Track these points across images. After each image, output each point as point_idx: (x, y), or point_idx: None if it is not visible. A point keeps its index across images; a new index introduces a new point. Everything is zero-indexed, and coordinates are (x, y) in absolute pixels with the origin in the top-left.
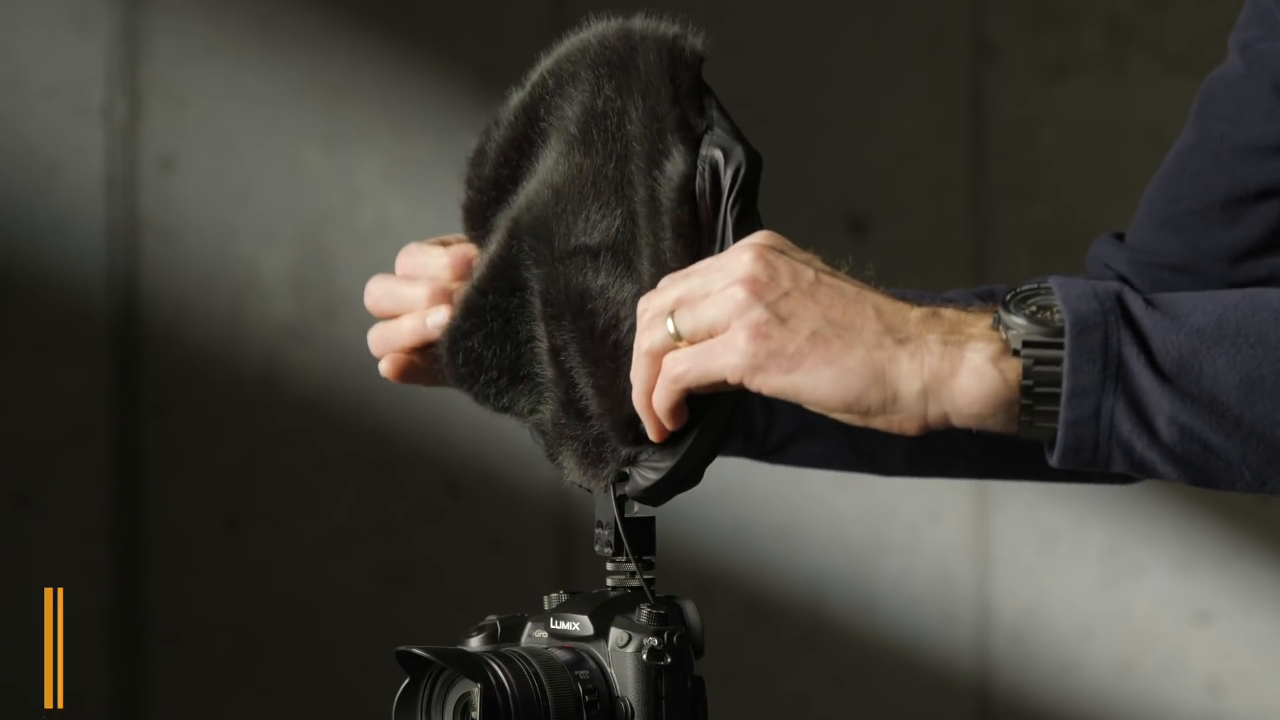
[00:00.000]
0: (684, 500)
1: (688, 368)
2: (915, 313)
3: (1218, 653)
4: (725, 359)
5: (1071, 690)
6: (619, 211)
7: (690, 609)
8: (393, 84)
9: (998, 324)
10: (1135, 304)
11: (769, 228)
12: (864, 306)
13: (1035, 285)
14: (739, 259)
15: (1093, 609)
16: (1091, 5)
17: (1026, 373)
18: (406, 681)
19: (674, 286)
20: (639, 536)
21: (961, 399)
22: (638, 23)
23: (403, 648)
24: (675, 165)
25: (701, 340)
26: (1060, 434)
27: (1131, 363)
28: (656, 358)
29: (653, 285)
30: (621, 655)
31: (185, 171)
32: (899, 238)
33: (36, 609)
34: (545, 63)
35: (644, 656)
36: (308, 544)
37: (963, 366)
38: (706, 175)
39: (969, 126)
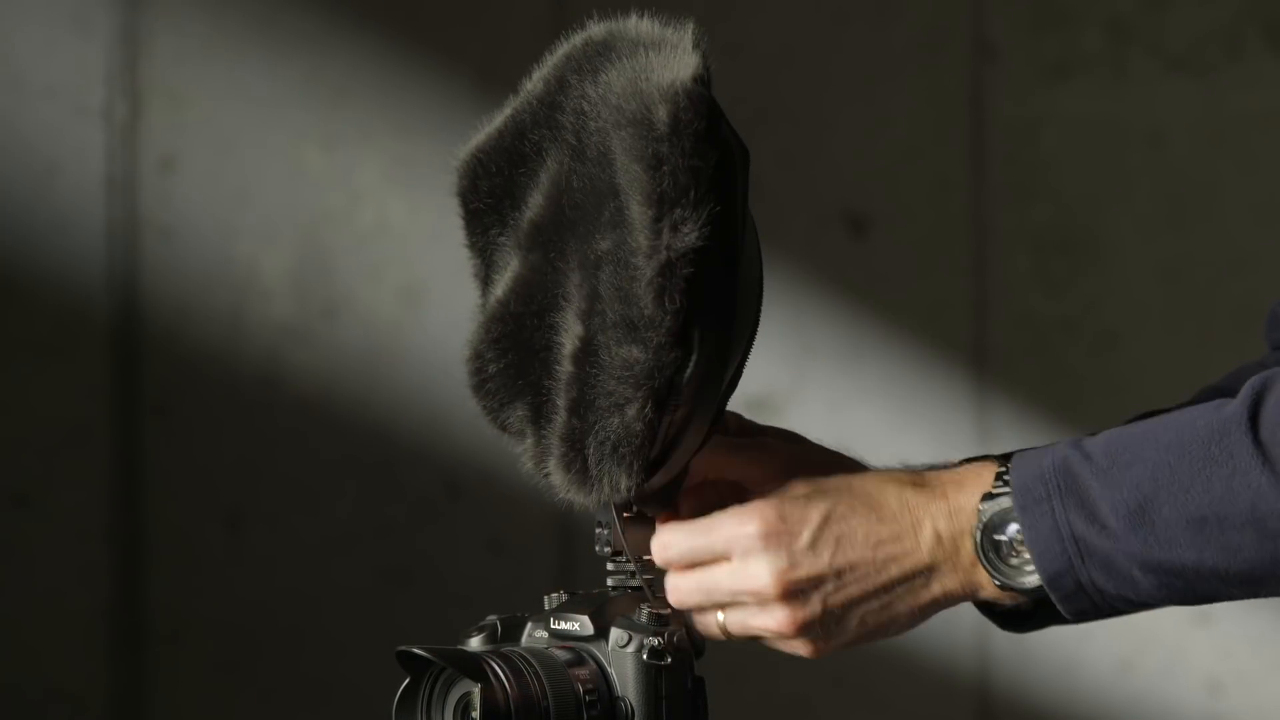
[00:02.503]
0: None
1: (742, 631)
2: (925, 543)
3: (1218, 653)
4: (793, 651)
5: (1071, 690)
6: (615, 210)
7: None
8: (393, 84)
9: (977, 555)
10: (1081, 470)
11: (769, 228)
12: (886, 570)
13: (999, 490)
14: (762, 586)
15: None
16: (1091, 5)
17: (1008, 589)
18: (407, 681)
19: (704, 590)
20: (639, 536)
21: (990, 600)
22: (627, 24)
23: (403, 648)
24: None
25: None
26: (1060, 607)
27: (1082, 533)
28: (708, 634)
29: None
30: (622, 655)
31: (185, 171)
32: (899, 238)
33: (37, 609)
34: (537, 72)
35: (644, 656)
36: (308, 544)
37: (980, 590)
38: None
39: (969, 126)
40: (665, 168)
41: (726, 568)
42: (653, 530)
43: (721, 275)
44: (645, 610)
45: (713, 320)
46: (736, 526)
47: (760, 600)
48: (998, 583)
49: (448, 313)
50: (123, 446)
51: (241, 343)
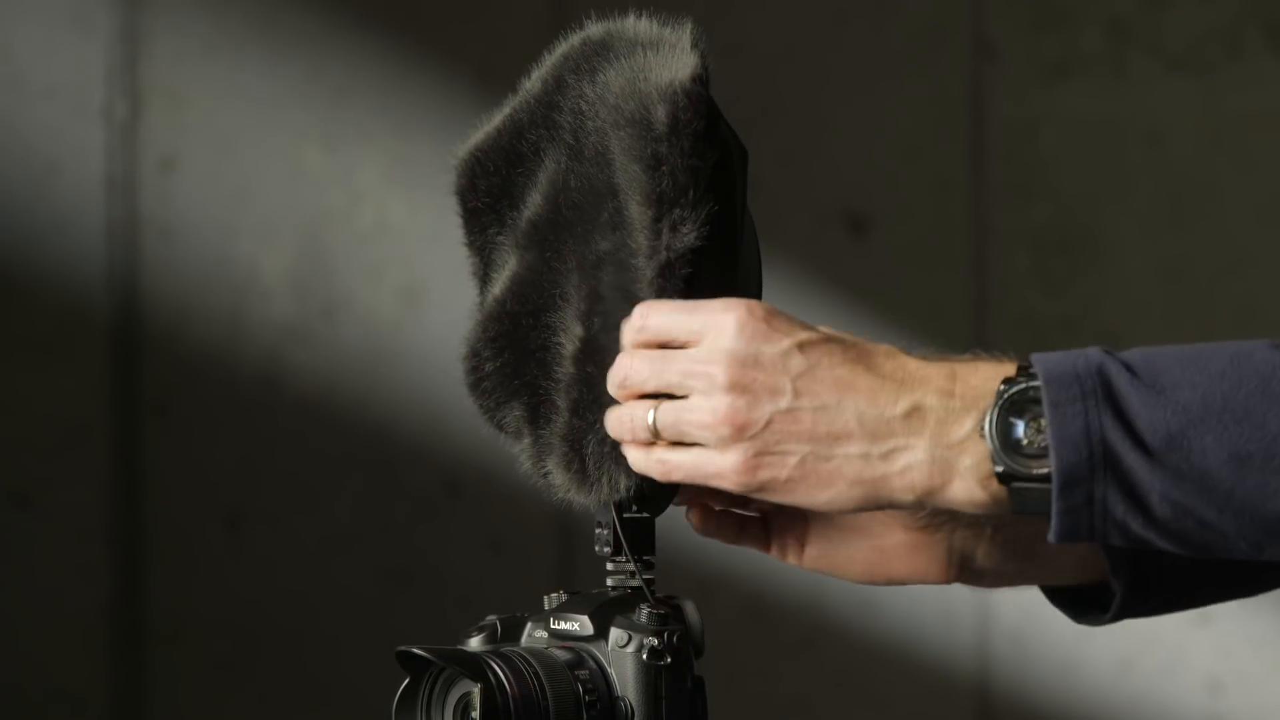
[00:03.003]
0: None
1: (682, 468)
2: (899, 408)
3: (1218, 653)
4: (721, 479)
5: (1071, 690)
6: (614, 210)
7: (690, 609)
8: (393, 84)
9: (983, 432)
10: (1119, 379)
11: (769, 228)
12: (845, 416)
13: (1024, 385)
14: (716, 371)
15: None
16: (1091, 5)
17: (1015, 495)
18: (406, 681)
19: (655, 368)
20: (639, 536)
21: (955, 503)
22: (625, 24)
23: (403, 647)
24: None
25: (680, 442)
26: (1054, 520)
27: (1117, 445)
28: (635, 436)
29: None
30: (621, 655)
31: (185, 171)
32: (899, 238)
33: (37, 609)
34: (535, 72)
35: (644, 656)
36: (308, 544)
37: (954, 480)
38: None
39: (969, 126)
40: (664, 167)
41: (688, 350)
42: (653, 531)
43: (720, 275)
44: (645, 610)
45: None
46: (720, 310)
47: (707, 386)
48: (998, 468)
49: (448, 313)
50: (123, 446)
51: (241, 343)
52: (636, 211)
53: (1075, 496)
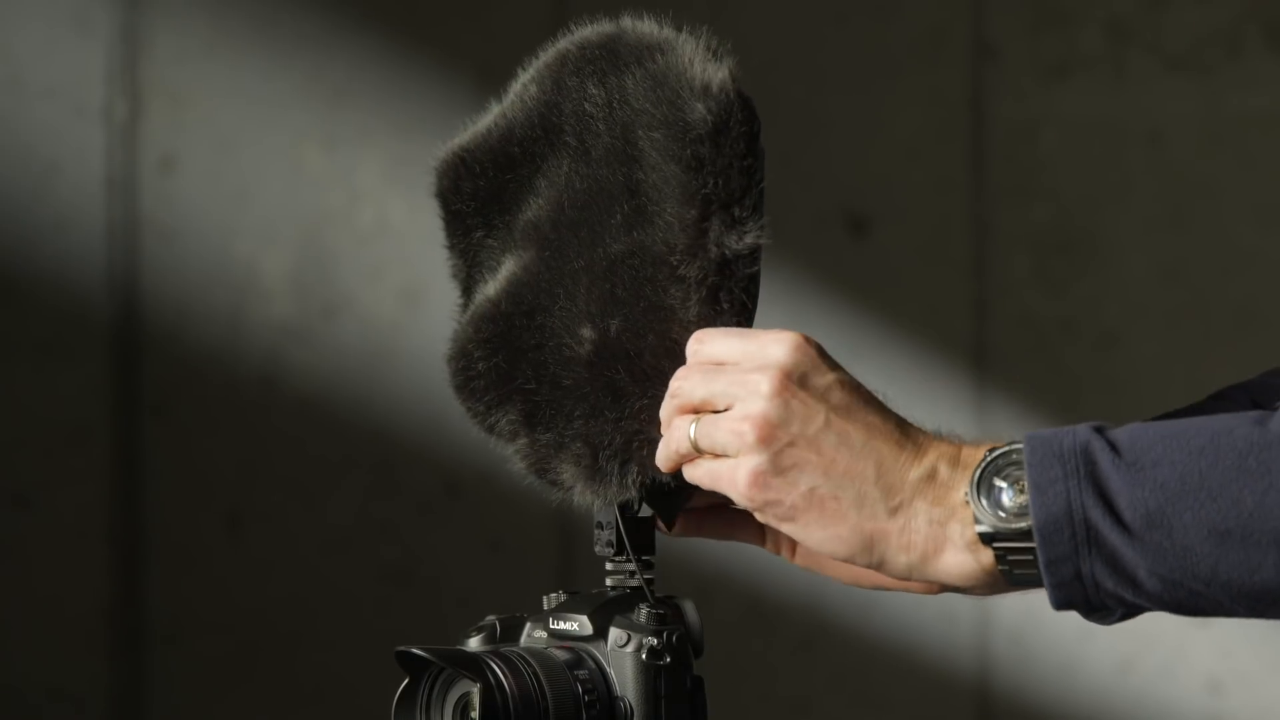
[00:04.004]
0: None
1: (702, 478)
2: (915, 473)
3: (1218, 653)
4: (730, 490)
5: (1071, 690)
6: (632, 211)
7: (689, 608)
8: (393, 84)
9: (968, 496)
10: (1103, 458)
11: (769, 229)
12: (866, 463)
13: (1006, 450)
14: (761, 381)
15: None
16: (1091, 5)
17: (1000, 560)
18: (406, 681)
19: (705, 380)
20: (639, 536)
21: (945, 576)
22: (624, 26)
23: (402, 648)
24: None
25: (714, 453)
26: (1050, 595)
27: (1100, 525)
28: (675, 452)
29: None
30: (621, 655)
31: (185, 171)
32: (899, 238)
33: (37, 609)
34: (524, 75)
35: (643, 656)
36: (307, 544)
37: (946, 547)
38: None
39: (969, 126)
40: (708, 168)
41: (740, 366)
42: (653, 531)
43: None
44: (644, 610)
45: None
46: (776, 335)
47: (749, 395)
48: (981, 527)
49: (448, 313)
50: (123, 446)
51: (241, 343)
52: (675, 212)
53: (1063, 572)
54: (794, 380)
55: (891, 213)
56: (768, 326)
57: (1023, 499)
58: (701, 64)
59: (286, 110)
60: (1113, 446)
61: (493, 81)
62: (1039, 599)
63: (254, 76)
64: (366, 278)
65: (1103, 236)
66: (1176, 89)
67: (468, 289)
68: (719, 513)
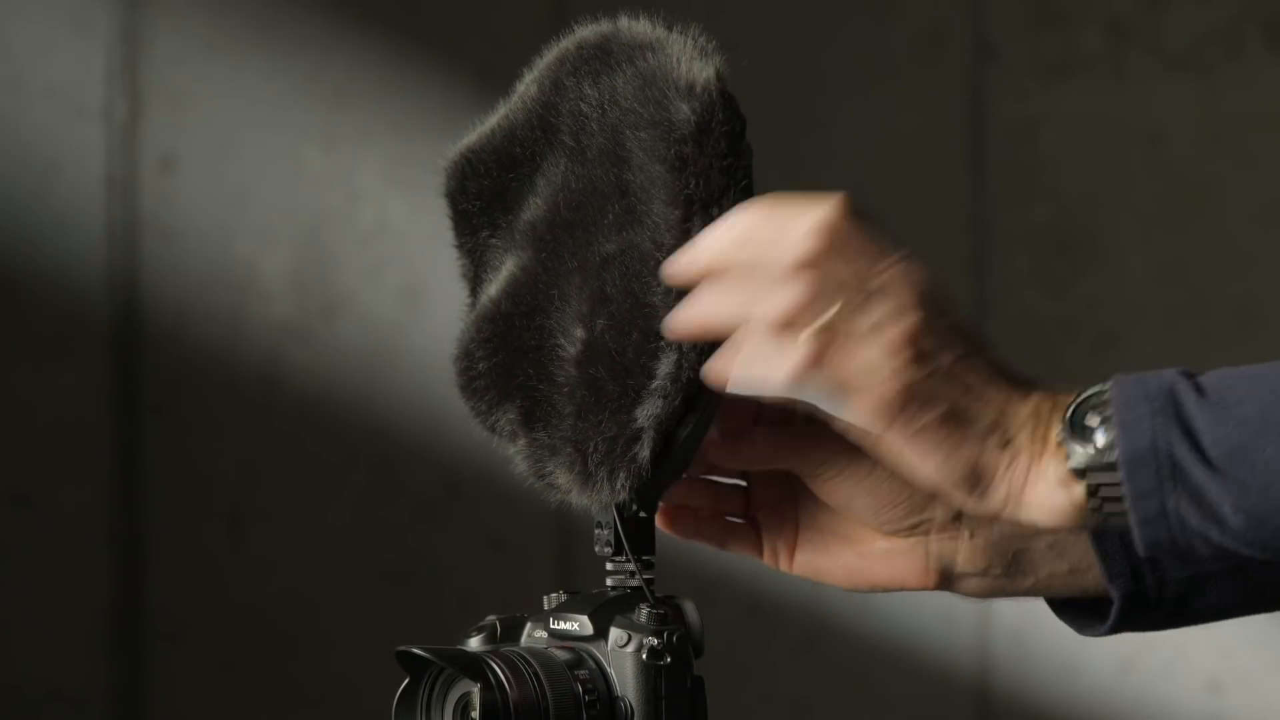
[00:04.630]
0: None
1: (818, 391)
2: (1024, 410)
3: (1218, 653)
4: (854, 400)
5: (1071, 690)
6: (622, 210)
7: (690, 608)
8: (393, 84)
9: (1061, 440)
10: (1188, 398)
11: None
12: (993, 396)
13: (1097, 390)
14: (904, 292)
15: None
16: (1091, 5)
17: (1090, 493)
18: (406, 681)
19: (825, 287)
20: (639, 536)
21: (1035, 512)
22: (620, 25)
23: (402, 648)
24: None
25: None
26: (1136, 533)
27: (1184, 460)
28: (796, 366)
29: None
30: (621, 655)
31: (185, 171)
32: (899, 238)
33: (37, 609)
34: (528, 75)
35: (644, 656)
36: (307, 544)
37: (1040, 483)
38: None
39: (969, 126)
40: (690, 168)
41: (864, 277)
42: (653, 530)
43: None
44: (645, 610)
45: None
46: (901, 259)
47: (892, 310)
48: (1074, 465)
49: (448, 313)
50: (123, 446)
51: (241, 343)
52: (661, 212)
53: (1149, 508)
54: (934, 304)
55: (891, 213)
56: None
57: (1112, 434)
58: (688, 63)
59: (286, 110)
60: (1198, 388)
61: (493, 82)
62: (1038, 599)
63: (254, 76)
64: (366, 278)
65: (1103, 236)
66: (1176, 89)
67: (475, 289)
68: (716, 520)
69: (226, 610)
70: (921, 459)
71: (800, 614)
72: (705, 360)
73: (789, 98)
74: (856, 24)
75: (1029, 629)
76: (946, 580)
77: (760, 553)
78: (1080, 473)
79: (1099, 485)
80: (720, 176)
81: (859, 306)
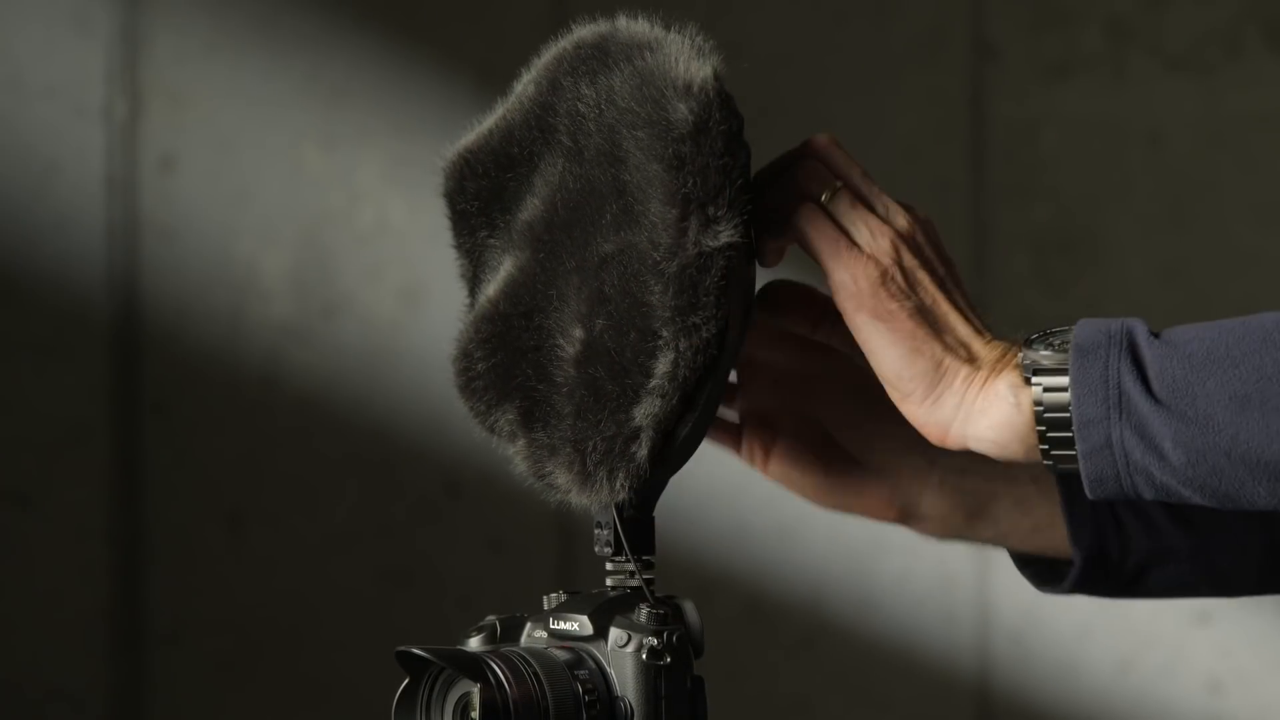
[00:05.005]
0: (684, 500)
1: (824, 246)
2: (994, 347)
3: (1218, 653)
4: (837, 272)
5: (1071, 690)
6: (620, 210)
7: (689, 608)
8: (393, 84)
9: (1019, 362)
10: (1141, 336)
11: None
12: (965, 320)
13: (1064, 328)
14: (910, 209)
15: (1093, 609)
16: (1091, 5)
17: (1036, 400)
18: (406, 681)
19: (845, 167)
20: (638, 536)
21: (982, 420)
22: (617, 26)
23: (402, 648)
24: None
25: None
26: (1081, 465)
27: (1129, 389)
28: (803, 205)
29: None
30: (621, 655)
31: (185, 171)
32: None
33: (37, 609)
34: (526, 75)
35: (643, 656)
36: (308, 544)
37: (994, 399)
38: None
39: (969, 126)
40: (688, 167)
41: (887, 201)
42: (653, 530)
43: (746, 270)
44: (644, 610)
45: (736, 314)
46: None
47: (894, 216)
48: (1025, 366)
49: (448, 313)
50: (123, 446)
51: (241, 343)
52: (658, 211)
53: (1094, 437)
54: (929, 236)
55: None
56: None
57: (1066, 353)
58: (686, 63)
59: (286, 110)
60: (1155, 334)
61: (493, 82)
62: (1038, 599)
63: (254, 76)
64: (366, 278)
65: (1103, 236)
66: (1176, 89)
67: (473, 289)
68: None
69: (227, 610)
70: (889, 343)
71: (800, 614)
72: (702, 360)
73: (789, 98)
74: (856, 24)
75: (1029, 629)
76: (906, 518)
77: (739, 450)
78: (1029, 378)
79: (1046, 408)
80: (717, 175)
81: (877, 197)
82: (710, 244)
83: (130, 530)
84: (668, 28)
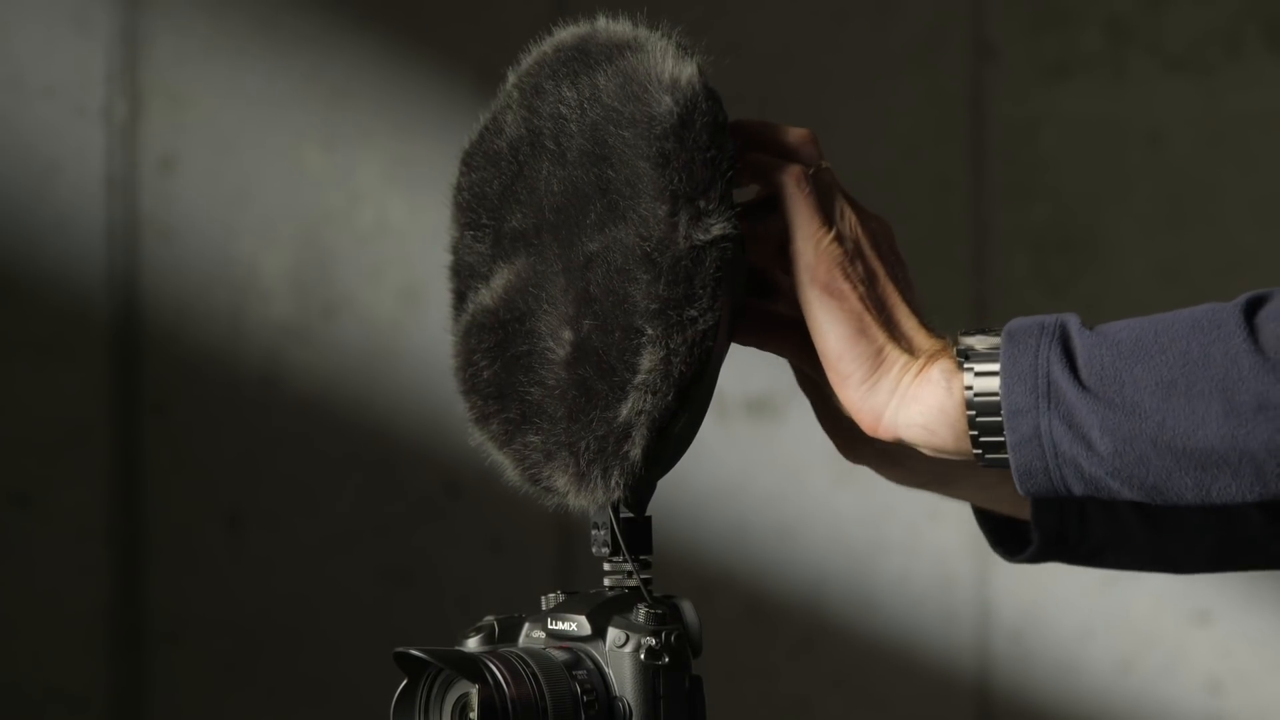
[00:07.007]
0: (684, 500)
1: (794, 197)
2: (934, 342)
3: (1218, 653)
4: (802, 240)
5: (1071, 690)
6: (604, 208)
7: (687, 608)
8: (393, 84)
9: (955, 346)
10: (1074, 328)
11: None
12: (909, 313)
13: (995, 323)
14: (856, 211)
15: (1093, 609)
16: (1091, 5)
17: (967, 385)
18: (404, 682)
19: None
20: (635, 537)
21: (914, 407)
22: (596, 27)
23: (400, 649)
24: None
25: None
26: (1010, 456)
27: (1058, 378)
28: (792, 161)
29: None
30: (619, 655)
31: (185, 171)
32: (899, 237)
33: (37, 609)
34: (511, 78)
35: (641, 656)
36: (308, 544)
37: (926, 385)
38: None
39: (969, 126)
40: (674, 163)
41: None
42: (650, 531)
43: (738, 264)
44: (642, 610)
45: (730, 307)
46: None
47: (848, 208)
48: (959, 351)
49: (447, 313)
50: (123, 446)
51: (241, 343)
52: (648, 207)
53: (1023, 427)
54: (888, 237)
55: (891, 213)
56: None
57: (998, 341)
58: (669, 61)
59: (286, 110)
60: (1085, 324)
61: (493, 81)
62: (1038, 599)
63: (254, 76)
64: (366, 278)
65: (1103, 236)
66: (1176, 89)
67: (464, 292)
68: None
69: (227, 610)
70: (836, 321)
71: (800, 614)
72: (698, 354)
73: (790, 98)
74: (856, 24)
75: (1029, 629)
76: (869, 460)
77: (790, 350)
78: (962, 360)
79: (974, 375)
80: (704, 169)
81: (847, 194)
82: (701, 237)
83: (130, 530)
84: (649, 27)
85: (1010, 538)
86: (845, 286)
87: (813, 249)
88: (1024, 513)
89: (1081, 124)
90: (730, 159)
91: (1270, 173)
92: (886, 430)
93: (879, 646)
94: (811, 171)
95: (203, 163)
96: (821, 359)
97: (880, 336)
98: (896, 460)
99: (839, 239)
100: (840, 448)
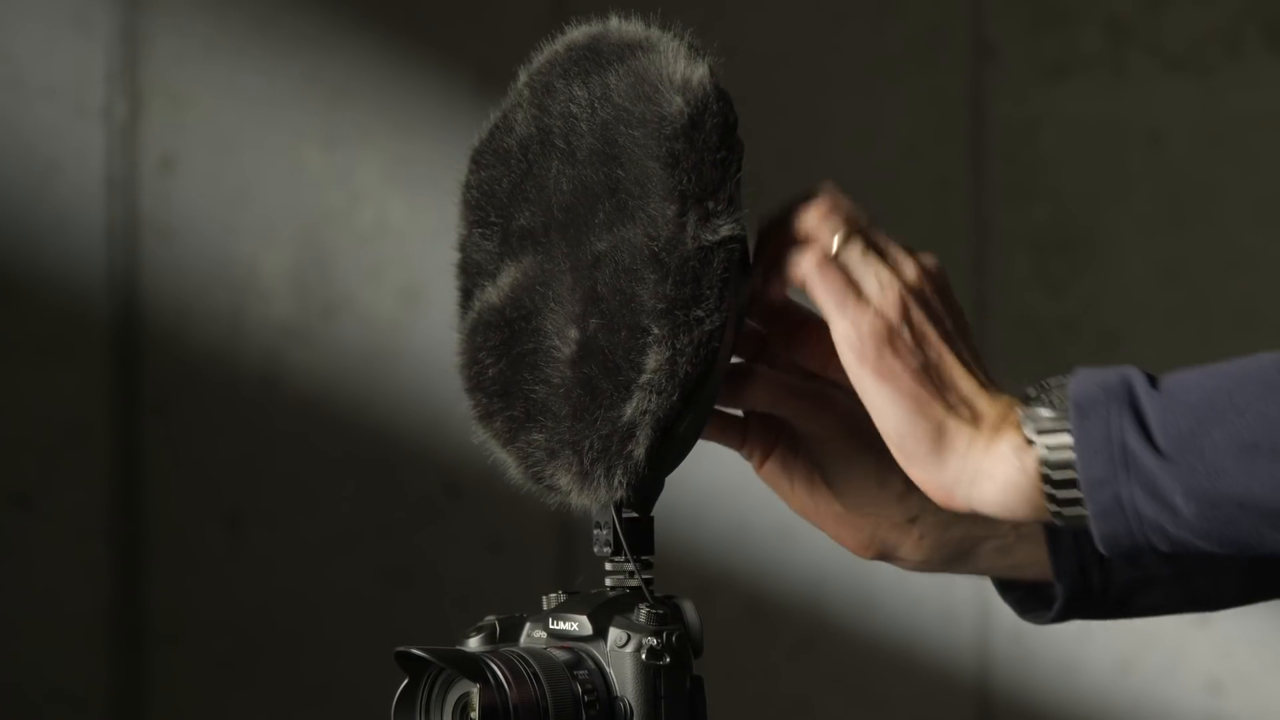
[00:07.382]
0: (684, 500)
1: (830, 294)
2: (997, 402)
3: (1218, 653)
4: (841, 323)
5: (1071, 690)
6: (613, 208)
7: (689, 608)
8: (393, 84)
9: (1021, 420)
10: (1140, 388)
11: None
12: (968, 376)
13: (1061, 380)
14: (919, 259)
15: None
16: (1091, 5)
17: (1042, 460)
18: (405, 682)
19: (861, 225)
20: (637, 536)
21: (988, 486)
22: (608, 26)
23: (401, 648)
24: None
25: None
26: (1093, 526)
27: (1134, 447)
28: (818, 252)
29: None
30: (620, 655)
31: (185, 171)
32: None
33: (37, 609)
34: (522, 77)
35: (643, 656)
36: (308, 544)
37: (997, 456)
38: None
39: (969, 126)
40: (683, 163)
41: (897, 246)
42: (652, 531)
43: (743, 267)
44: (643, 610)
45: (736, 308)
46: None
47: (903, 264)
48: (1028, 430)
49: (448, 313)
50: (123, 446)
51: (241, 343)
52: (657, 207)
53: (1104, 498)
54: (938, 286)
55: (891, 213)
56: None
57: (1065, 409)
58: (681, 61)
59: (286, 110)
60: (1152, 381)
61: (493, 81)
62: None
63: (254, 76)
64: (366, 278)
65: (1103, 236)
66: (1176, 89)
67: (465, 289)
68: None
69: (227, 610)
70: (891, 402)
71: (800, 614)
72: (704, 354)
73: (789, 98)
74: (856, 24)
75: (1029, 629)
76: (884, 558)
77: (741, 446)
78: (1031, 439)
79: (1051, 467)
80: (714, 170)
81: (886, 246)
82: (709, 238)
83: (130, 530)
84: (661, 28)
85: (1032, 598)
86: (896, 365)
87: (854, 332)
88: (1045, 574)
89: (1081, 124)
90: (739, 161)
91: (1270, 173)
92: (961, 505)
93: (879, 646)
94: (835, 248)
95: (203, 163)
96: (885, 440)
97: (938, 411)
98: (899, 559)
99: (880, 314)
100: (853, 549)
